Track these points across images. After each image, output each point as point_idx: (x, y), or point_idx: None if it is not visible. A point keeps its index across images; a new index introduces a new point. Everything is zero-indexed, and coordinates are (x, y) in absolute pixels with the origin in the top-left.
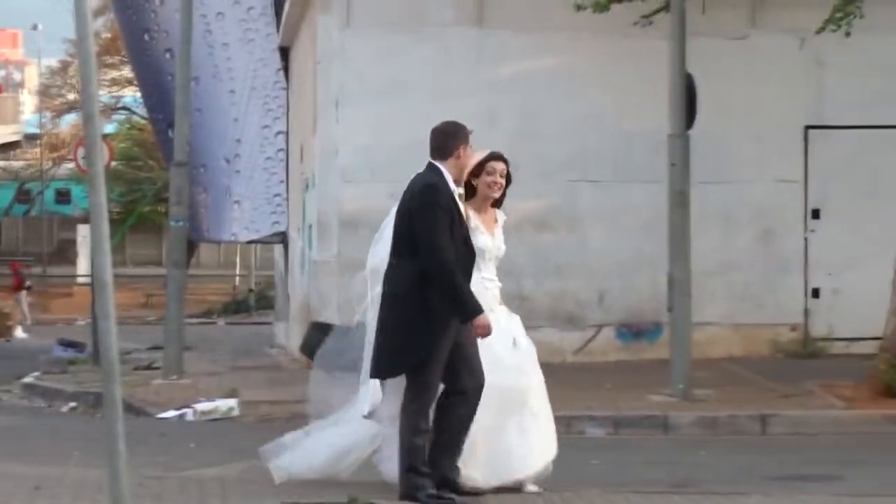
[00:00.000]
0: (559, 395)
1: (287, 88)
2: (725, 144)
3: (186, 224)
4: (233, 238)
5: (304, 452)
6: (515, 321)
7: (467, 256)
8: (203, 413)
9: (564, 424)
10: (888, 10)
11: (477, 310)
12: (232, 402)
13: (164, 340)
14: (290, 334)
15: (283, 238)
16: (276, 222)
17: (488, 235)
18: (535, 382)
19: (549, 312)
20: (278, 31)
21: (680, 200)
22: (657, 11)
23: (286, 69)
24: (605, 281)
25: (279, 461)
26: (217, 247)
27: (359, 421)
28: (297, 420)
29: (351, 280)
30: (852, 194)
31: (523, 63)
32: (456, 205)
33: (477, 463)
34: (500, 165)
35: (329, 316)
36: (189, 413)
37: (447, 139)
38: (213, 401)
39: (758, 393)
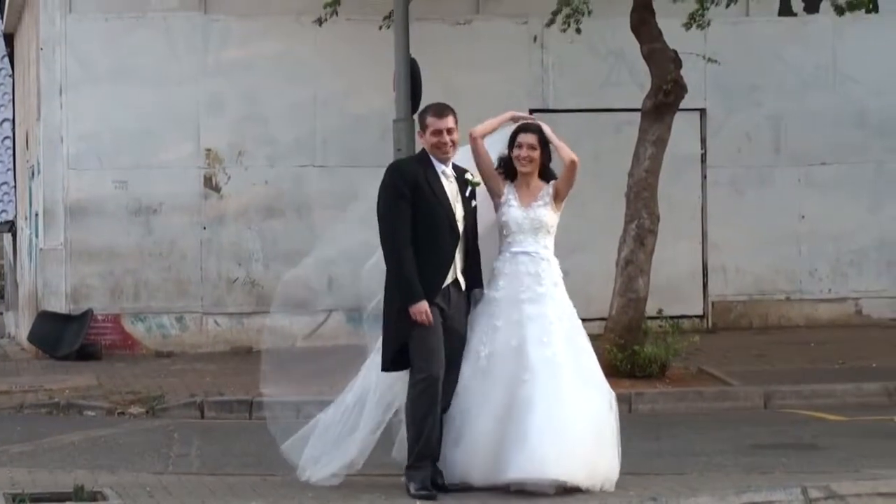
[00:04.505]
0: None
1: (13, 75)
2: None
3: None
4: None
5: (338, 453)
6: (556, 312)
7: (448, 237)
8: None
9: (294, 409)
10: None
11: (414, 296)
12: None
13: None
14: (19, 323)
15: (11, 227)
16: (4, 211)
17: (518, 208)
18: (528, 391)
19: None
20: (2, 17)
21: None
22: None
23: (11, 56)
24: (334, 266)
25: (315, 469)
26: None
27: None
28: (27, 409)
29: (77, 268)
30: (577, 177)
31: (248, 48)
32: (427, 184)
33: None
34: (527, 138)
35: (57, 304)
36: None
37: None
38: None
39: None
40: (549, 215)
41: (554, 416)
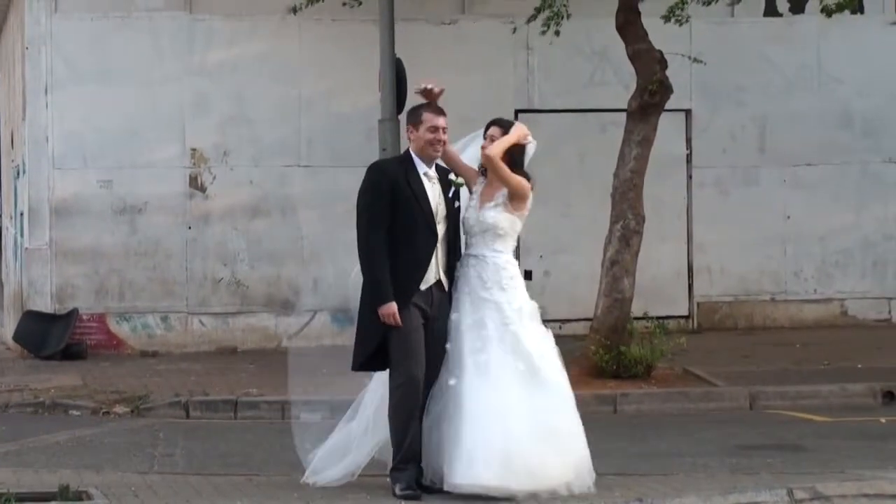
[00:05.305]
0: (277, 381)
1: None
2: None
3: None
4: None
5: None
6: (497, 317)
7: (427, 238)
8: None
9: (278, 409)
10: None
11: (383, 297)
12: None
13: None
14: (4, 323)
15: None
16: None
17: (473, 209)
18: (458, 393)
19: (264, 298)
20: None
21: None
22: None
23: None
24: (320, 267)
25: (323, 474)
26: None
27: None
28: (12, 409)
29: (62, 268)
30: (561, 178)
31: (233, 48)
32: (407, 185)
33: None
34: (492, 131)
35: (42, 304)
36: None
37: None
38: None
39: None
40: (499, 217)
41: (481, 419)
